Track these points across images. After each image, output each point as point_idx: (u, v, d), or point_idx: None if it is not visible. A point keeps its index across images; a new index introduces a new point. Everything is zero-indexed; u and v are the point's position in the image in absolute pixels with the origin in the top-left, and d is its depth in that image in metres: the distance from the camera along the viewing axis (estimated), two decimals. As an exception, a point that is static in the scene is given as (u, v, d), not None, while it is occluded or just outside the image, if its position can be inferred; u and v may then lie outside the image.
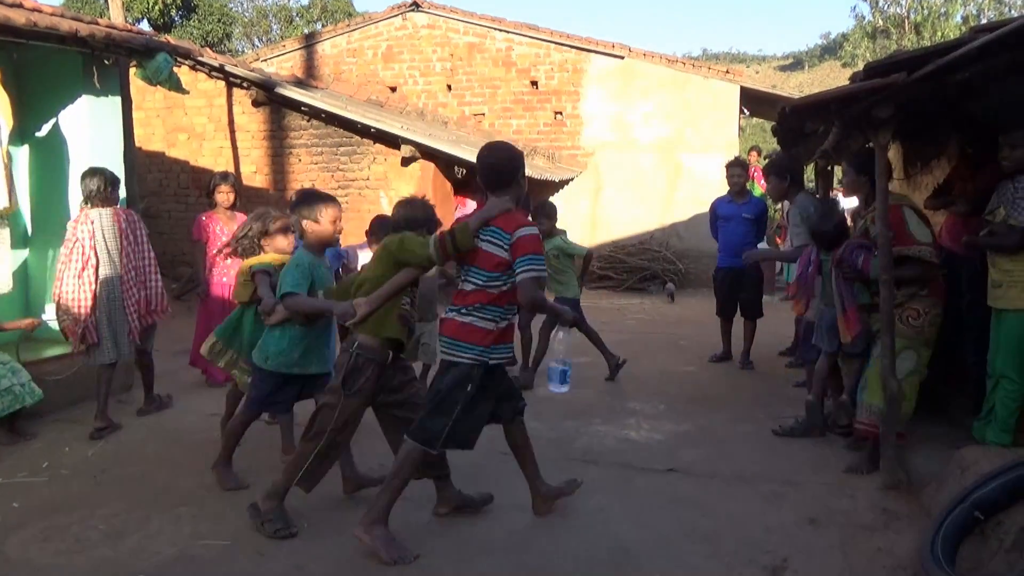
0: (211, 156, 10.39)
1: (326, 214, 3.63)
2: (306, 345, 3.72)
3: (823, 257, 4.57)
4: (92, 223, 4.90)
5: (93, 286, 4.88)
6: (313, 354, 3.77)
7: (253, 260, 4.14)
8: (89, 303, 4.87)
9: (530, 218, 5.38)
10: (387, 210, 9.55)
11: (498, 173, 3.27)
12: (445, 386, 3.24)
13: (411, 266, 3.30)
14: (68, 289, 4.86)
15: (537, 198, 6.87)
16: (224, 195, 5.94)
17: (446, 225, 3.50)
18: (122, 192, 5.43)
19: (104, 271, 4.92)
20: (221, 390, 5.85)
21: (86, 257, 4.84)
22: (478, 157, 3.35)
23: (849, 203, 7.82)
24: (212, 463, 4.06)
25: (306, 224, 3.62)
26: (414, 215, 3.68)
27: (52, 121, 5.80)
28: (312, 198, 3.69)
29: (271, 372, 3.74)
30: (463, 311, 3.23)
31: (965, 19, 22.36)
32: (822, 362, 4.60)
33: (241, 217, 6.17)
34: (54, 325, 5.69)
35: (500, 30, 12.66)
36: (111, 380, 4.99)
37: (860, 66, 4.62)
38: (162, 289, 5.29)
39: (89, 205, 4.93)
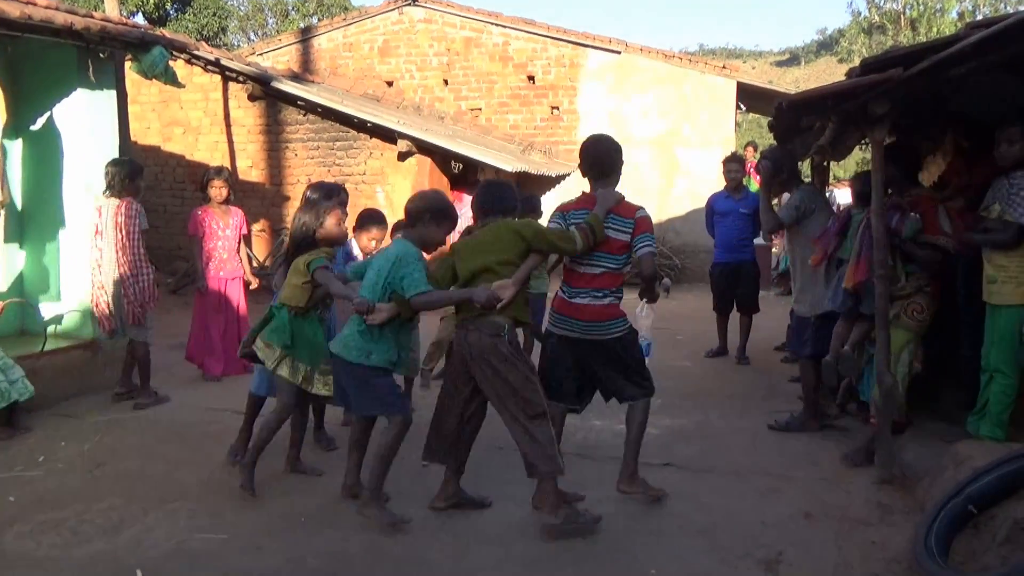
0: (207, 150, 10.36)
1: (446, 224, 3.57)
2: (400, 344, 3.57)
3: (854, 212, 4.58)
4: (100, 214, 5.22)
5: (100, 274, 5.25)
6: (404, 353, 3.63)
7: (307, 257, 3.75)
8: (105, 289, 5.26)
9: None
10: (384, 205, 9.58)
11: (605, 163, 3.67)
12: (632, 351, 3.67)
13: (540, 253, 3.52)
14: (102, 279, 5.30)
15: (525, 192, 6.81)
16: (217, 190, 5.93)
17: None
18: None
19: (106, 259, 5.24)
20: (218, 384, 5.89)
21: (97, 246, 5.23)
22: (584, 149, 3.71)
23: (844, 197, 7.84)
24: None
25: (419, 224, 3.53)
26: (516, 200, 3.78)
27: (47, 115, 5.77)
28: (441, 201, 3.63)
29: (380, 367, 3.49)
30: (599, 295, 3.56)
31: (961, 15, 22.39)
32: (840, 325, 4.59)
33: (236, 211, 6.17)
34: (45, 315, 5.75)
35: (497, 24, 12.64)
36: (134, 352, 5.39)
37: (856, 62, 4.63)
38: (152, 282, 5.39)
39: (107, 195, 5.26)
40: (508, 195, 3.65)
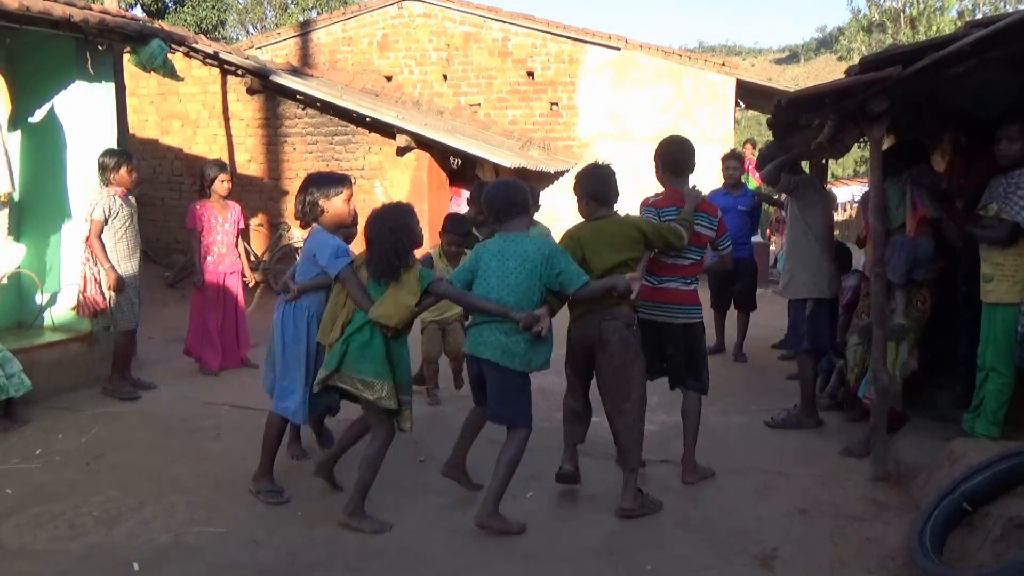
0: (205, 144, 10.34)
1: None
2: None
3: (887, 186, 4.69)
4: None
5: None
6: None
7: (414, 272, 3.34)
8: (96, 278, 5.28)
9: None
10: (382, 200, 9.57)
11: (683, 162, 3.98)
12: (700, 342, 3.98)
13: (652, 248, 3.68)
14: None
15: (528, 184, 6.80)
16: (225, 184, 5.99)
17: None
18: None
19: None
20: (214, 378, 5.89)
21: None
22: (664, 150, 4.00)
23: (842, 196, 7.85)
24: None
25: (524, 213, 3.56)
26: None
27: (45, 107, 5.75)
28: (525, 185, 3.72)
29: (528, 373, 3.41)
30: (687, 281, 3.90)
31: (960, 13, 22.39)
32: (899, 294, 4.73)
33: (234, 205, 6.17)
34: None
35: (496, 20, 12.61)
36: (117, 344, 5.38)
37: (856, 60, 4.63)
38: (93, 276, 5.22)
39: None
40: (616, 184, 3.75)
